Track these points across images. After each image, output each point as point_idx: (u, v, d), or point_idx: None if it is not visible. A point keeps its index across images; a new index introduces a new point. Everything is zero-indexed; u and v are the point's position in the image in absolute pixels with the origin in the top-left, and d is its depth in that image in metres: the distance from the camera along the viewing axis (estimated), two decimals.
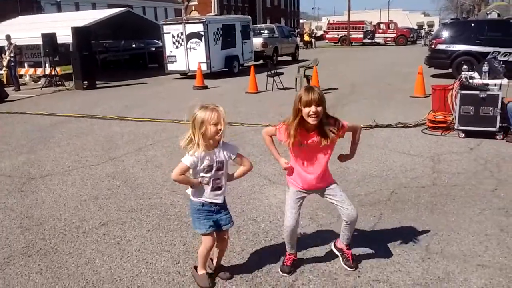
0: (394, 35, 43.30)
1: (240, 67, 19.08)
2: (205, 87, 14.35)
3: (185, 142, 2.90)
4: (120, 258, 3.63)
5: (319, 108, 2.87)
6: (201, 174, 2.96)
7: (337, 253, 3.43)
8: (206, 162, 2.92)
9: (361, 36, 44.91)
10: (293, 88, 12.91)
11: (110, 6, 27.49)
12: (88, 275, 3.38)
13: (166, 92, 13.99)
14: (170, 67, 17.79)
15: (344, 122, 3.09)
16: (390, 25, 44.59)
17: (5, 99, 13.20)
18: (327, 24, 53.55)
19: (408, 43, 43.12)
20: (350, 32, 44.62)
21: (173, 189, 5.11)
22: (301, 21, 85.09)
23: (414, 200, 4.60)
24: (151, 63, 22.69)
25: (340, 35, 46.39)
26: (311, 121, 2.90)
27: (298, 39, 33.60)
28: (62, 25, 16.53)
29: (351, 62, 22.92)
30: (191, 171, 2.96)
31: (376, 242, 3.71)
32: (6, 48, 15.87)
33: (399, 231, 3.90)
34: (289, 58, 24.98)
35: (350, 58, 26.28)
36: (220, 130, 2.82)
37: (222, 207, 3.11)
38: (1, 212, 4.68)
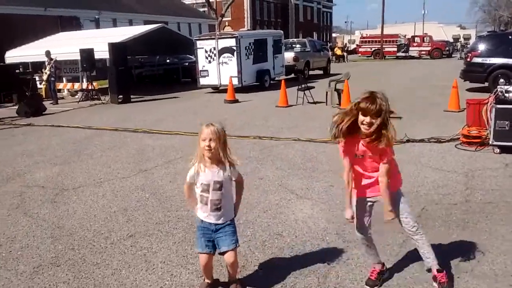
0: (429, 48, 42.54)
1: (271, 81, 19.17)
2: (236, 101, 14.47)
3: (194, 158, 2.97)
4: (145, 269, 3.66)
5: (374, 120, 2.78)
6: (199, 192, 2.96)
7: (435, 284, 3.16)
8: (202, 181, 2.92)
9: (395, 49, 44.38)
10: (324, 102, 12.84)
11: (146, 22, 28.25)
12: (114, 286, 3.43)
13: (197, 106, 14.18)
14: (203, 81, 18.06)
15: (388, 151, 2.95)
16: (425, 38, 43.86)
17: (44, 113, 13.69)
18: (360, 38, 53.23)
19: (443, 56, 42.26)
20: (384, 46, 44.17)
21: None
22: (333, 35, 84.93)
23: (445, 218, 4.46)
24: (184, 77, 23.11)
25: (373, 49, 45.98)
26: (363, 129, 2.84)
27: (330, 53, 33.49)
28: (100, 41, 17.10)
29: (384, 76, 22.63)
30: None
31: (404, 260, 3.61)
32: (46, 63, 16.53)
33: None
34: (321, 72, 24.92)
35: (383, 71, 25.96)
36: (209, 146, 2.82)
37: (223, 226, 3.03)
38: (33, 222, 4.83)
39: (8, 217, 5.03)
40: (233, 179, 2.99)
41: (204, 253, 3.05)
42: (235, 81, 16.51)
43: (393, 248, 3.85)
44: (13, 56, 19.76)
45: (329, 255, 3.77)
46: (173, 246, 4.08)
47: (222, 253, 3.08)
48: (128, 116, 12.46)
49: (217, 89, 18.10)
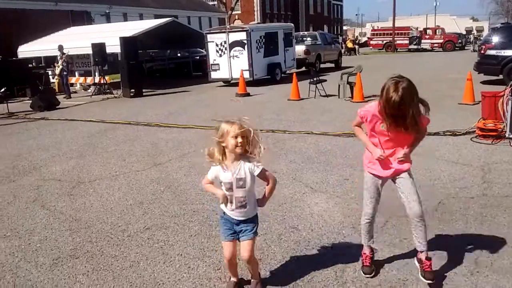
0: (441, 41, 42.09)
1: (283, 75, 19.11)
2: (248, 95, 14.45)
3: (209, 155, 2.89)
4: (163, 262, 3.69)
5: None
6: (224, 191, 2.92)
7: (417, 265, 3.23)
8: (225, 179, 2.88)
9: (407, 42, 43.96)
10: (336, 95, 12.78)
11: (157, 16, 28.28)
12: (132, 278, 3.46)
13: (209, 100, 14.19)
14: (214, 75, 18.06)
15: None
16: (437, 31, 43.39)
17: (57, 107, 13.81)
18: (371, 30, 52.78)
19: (456, 48, 41.80)
20: (395, 38, 43.76)
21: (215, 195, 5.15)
22: (344, 27, 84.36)
23: (462, 211, 4.42)
24: (195, 71, 23.13)
25: (384, 41, 45.59)
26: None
27: (343, 45, 33.26)
28: (111, 35, 17.16)
29: (396, 69, 22.41)
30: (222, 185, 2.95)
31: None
32: (58, 57, 16.65)
33: (447, 243, 3.75)
34: (332, 65, 24.79)
35: (395, 64, 25.74)
36: (240, 143, 2.76)
37: (246, 219, 3.00)
38: (51, 215, 4.89)
39: (26, 210, 5.09)
40: (255, 174, 2.90)
41: (227, 241, 3.03)
42: (246, 75, 16.49)
43: (410, 242, 3.81)
44: (26, 50, 19.94)
45: (346, 248, 3.77)
46: (190, 239, 4.10)
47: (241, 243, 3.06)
48: (140, 110, 12.52)
49: (228, 83, 18.09)
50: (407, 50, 43.62)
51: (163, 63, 24.07)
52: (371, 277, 3.28)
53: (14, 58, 19.69)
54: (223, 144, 2.81)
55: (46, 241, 4.22)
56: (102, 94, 16.53)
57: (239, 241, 3.04)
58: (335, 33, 69.43)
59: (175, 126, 9.76)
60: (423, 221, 3.11)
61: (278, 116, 10.26)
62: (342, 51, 31.63)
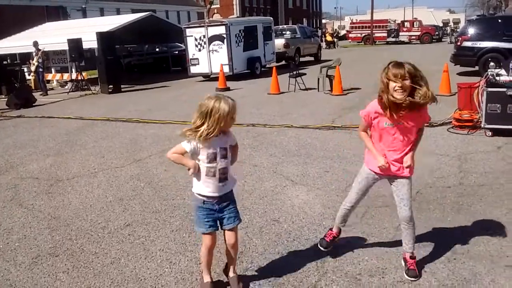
0: (419, 33, 42.62)
1: (262, 69, 19.11)
2: (228, 89, 14.41)
3: (188, 129, 2.79)
4: (144, 258, 3.67)
5: (407, 82, 2.83)
6: (206, 165, 2.84)
7: (402, 264, 3.26)
8: (209, 150, 2.82)
9: (385, 34, 44.42)
10: (316, 89, 12.85)
11: (134, 11, 27.91)
12: (113, 275, 3.44)
13: (188, 95, 14.10)
14: (193, 69, 17.95)
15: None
16: (414, 23, 43.92)
17: (33, 104, 13.55)
18: (350, 24, 53.15)
19: (433, 41, 42.37)
20: (374, 31, 44.15)
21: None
22: (323, 21, 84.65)
23: (439, 200, 4.52)
24: (174, 66, 22.94)
25: (363, 34, 45.97)
26: (397, 95, 2.84)
27: (322, 39, 33.39)
28: (88, 30, 16.90)
29: (375, 61, 22.60)
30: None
31: (400, 243, 3.65)
32: (34, 54, 16.32)
33: (424, 231, 3.83)
34: (312, 58, 24.88)
35: (373, 57, 25.97)
36: (232, 122, 2.82)
37: (227, 203, 2.97)
38: (29, 214, 4.81)
39: (3, 209, 5.01)
40: (233, 144, 2.97)
41: (209, 233, 2.98)
42: (226, 69, 16.44)
43: (389, 231, 3.90)
44: (0, 47, 19.47)
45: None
46: (171, 234, 4.09)
47: (224, 233, 3.03)
48: (119, 106, 12.38)
49: (208, 77, 18.01)
50: (385, 42, 44.08)
51: (142, 58, 23.80)
52: (325, 251, 3.46)
53: None
54: (220, 123, 2.75)
55: (25, 240, 4.16)
56: (80, 90, 16.27)
57: (221, 229, 3.02)
58: (314, 26, 69.58)
59: (155, 122, 9.68)
60: (412, 224, 3.15)
61: (258, 110, 10.27)
62: (322, 44, 31.78)
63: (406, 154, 3.07)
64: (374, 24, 44.32)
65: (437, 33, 44.41)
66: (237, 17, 33.99)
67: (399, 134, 3.02)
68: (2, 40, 19.85)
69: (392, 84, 2.85)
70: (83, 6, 28.38)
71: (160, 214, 4.58)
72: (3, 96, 15.61)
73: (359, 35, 46.61)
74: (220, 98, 2.81)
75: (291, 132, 7.92)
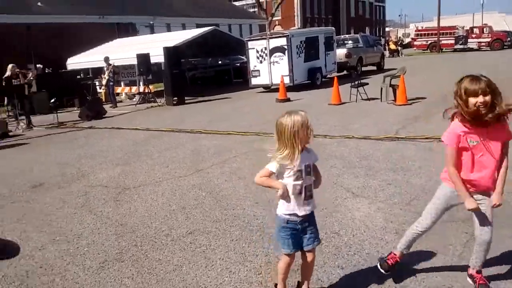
0: (489, 40, 40.47)
1: (323, 79, 19.00)
2: (288, 100, 14.45)
3: (271, 149, 2.82)
4: (205, 266, 3.74)
5: (487, 98, 2.68)
6: (293, 182, 2.83)
7: (470, 281, 3.11)
8: (294, 169, 2.80)
9: (452, 41, 42.57)
10: (378, 99, 12.55)
11: (199, 25, 28.79)
12: (175, 282, 3.53)
13: (249, 106, 14.29)
14: (254, 81, 18.19)
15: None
16: (484, 29, 41.77)
17: (104, 116, 14.32)
18: (415, 31, 51.45)
19: (504, 47, 40.04)
20: (440, 38, 42.50)
21: (256, 201, 5.19)
22: (387, 29, 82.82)
23: None
24: (236, 78, 23.37)
25: (429, 42, 44.36)
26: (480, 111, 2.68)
27: (385, 47, 32.64)
28: (155, 45, 17.66)
29: (443, 69, 21.75)
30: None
31: (467, 260, 3.45)
32: (105, 68, 17.29)
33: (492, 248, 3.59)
34: (375, 67, 24.37)
35: (441, 65, 24.99)
36: (310, 136, 2.77)
37: (309, 223, 2.94)
38: (98, 220, 5.06)
39: (74, 215, 5.30)
40: (316, 161, 2.95)
41: (292, 254, 2.97)
42: (287, 80, 16.49)
43: (456, 248, 3.70)
44: (74, 62, 20.86)
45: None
46: (231, 244, 4.14)
47: (303, 252, 3.01)
48: (183, 118, 12.78)
49: (269, 89, 18.16)
50: (452, 50, 42.24)
51: (205, 71, 24.48)
52: (386, 273, 3.29)
53: (63, 70, 20.63)
54: (298, 138, 2.73)
55: (93, 245, 4.37)
56: (146, 102, 17.00)
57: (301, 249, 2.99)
58: (378, 35, 68.29)
59: (217, 132, 9.88)
60: (488, 246, 2.98)
61: (319, 121, 10.19)
62: (385, 53, 31.06)
63: (493, 172, 2.84)
64: (440, 31, 42.66)
65: (508, 39, 41.93)
66: (299, 28, 34.06)
67: (485, 147, 2.81)
68: (76, 56, 21.22)
69: (472, 101, 2.68)
70: (151, 22, 29.71)
71: (221, 224, 4.65)
72: (76, 108, 16.66)
73: (424, 42, 45.01)
74: (291, 113, 2.78)
75: (352, 143, 7.77)
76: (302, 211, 2.88)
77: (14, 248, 1.17)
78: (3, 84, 13.35)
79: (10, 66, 13.17)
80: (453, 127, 2.84)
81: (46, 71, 20.46)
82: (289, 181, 2.84)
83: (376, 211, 4.67)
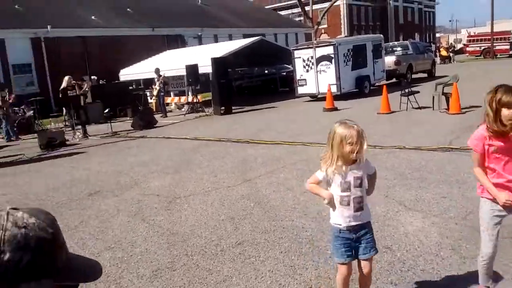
0: None
1: (371, 87, 18.67)
2: (335, 109, 14.30)
3: (323, 157, 2.84)
4: (255, 277, 3.75)
5: None
6: (340, 193, 2.81)
7: None
8: (342, 179, 2.78)
9: (507, 47, 40.73)
10: (430, 107, 12.19)
11: (245, 35, 29.16)
12: None
13: (296, 115, 14.27)
14: (300, 90, 18.16)
15: None
16: None
17: (155, 125, 14.73)
18: (467, 37, 49.74)
19: None
20: (494, 44, 40.77)
21: (304, 212, 5.16)
22: (437, 35, 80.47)
23: None
24: (282, 87, 23.42)
25: (482, 47, 42.66)
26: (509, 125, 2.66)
27: (436, 53, 31.72)
28: (203, 56, 18.03)
29: (497, 77, 20.83)
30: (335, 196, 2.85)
31: None
32: (156, 79, 17.82)
33: None
34: (425, 75, 23.70)
35: (495, 72, 23.94)
36: (355, 150, 2.71)
37: (364, 232, 2.89)
38: (150, 228, 5.20)
39: (128, 223, 5.48)
40: (371, 173, 2.90)
41: (345, 264, 2.94)
42: (334, 89, 16.34)
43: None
44: (126, 74, 21.65)
45: (444, 271, 3.55)
46: (280, 256, 4.13)
47: (359, 262, 2.97)
48: (230, 127, 12.94)
49: (316, 98, 18.06)
50: (508, 56, 40.39)
51: (251, 81, 24.71)
52: None
53: (116, 81, 21.45)
54: (339, 149, 2.73)
55: (146, 253, 4.49)
56: (195, 112, 17.35)
57: (357, 258, 2.95)
58: (428, 41, 66.45)
59: (264, 142, 9.93)
60: None
61: (368, 130, 9.92)
62: (436, 59, 30.16)
63: None
64: (494, 36, 40.93)
65: None
66: (346, 36, 33.72)
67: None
68: (128, 67, 22.02)
69: (504, 112, 2.61)
70: (199, 33, 30.37)
71: (270, 235, 4.65)
72: (128, 118, 17.24)
73: (477, 48, 43.33)
74: (342, 123, 2.77)
75: (403, 154, 7.58)
76: (352, 222, 2.85)
77: (96, 270, 1.17)
78: (60, 96, 14.05)
79: (66, 78, 13.84)
80: (478, 132, 2.85)
81: (100, 82, 21.34)
82: (336, 191, 2.83)
83: (430, 225, 4.52)
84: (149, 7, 30.14)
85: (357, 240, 2.89)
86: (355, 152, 2.72)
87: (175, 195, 6.48)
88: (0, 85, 15.50)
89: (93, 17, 26.00)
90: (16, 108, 16.34)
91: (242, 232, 4.82)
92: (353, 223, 2.85)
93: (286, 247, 4.32)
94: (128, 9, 28.94)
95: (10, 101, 15.48)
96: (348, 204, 2.82)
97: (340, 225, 2.87)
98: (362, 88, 18.11)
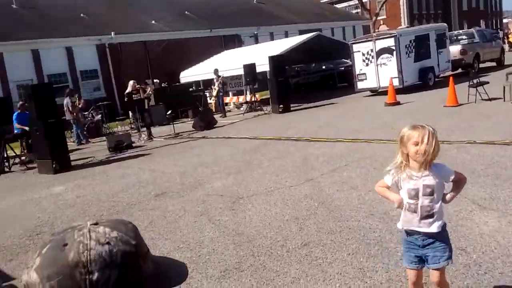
0: None
1: (436, 79, 17.92)
2: (398, 103, 13.85)
3: (394, 161, 2.73)
4: (323, 280, 3.71)
5: None
6: (407, 200, 2.70)
7: None
8: (409, 186, 2.67)
9: None
10: (501, 98, 11.50)
11: (301, 31, 28.97)
12: None
13: (356, 111, 13.98)
14: (360, 85, 17.76)
15: None
16: None
17: (214, 126, 15.00)
18: None
19: None
20: None
21: (371, 212, 5.04)
22: (504, 20, 75.72)
23: None
24: (340, 82, 23.04)
25: None
26: None
27: (504, 41, 29.86)
28: (260, 55, 18.12)
29: None
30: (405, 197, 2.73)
31: None
32: (215, 80, 18.14)
33: None
34: (494, 64, 22.39)
35: None
36: (421, 150, 2.56)
37: (433, 241, 2.72)
38: (216, 229, 5.29)
39: (195, 223, 5.61)
40: (450, 180, 2.71)
41: (411, 269, 2.83)
42: (396, 82, 15.83)
43: None
44: (187, 75, 22.23)
45: None
46: (348, 258, 4.05)
47: (430, 271, 2.82)
48: (289, 125, 12.91)
49: (376, 92, 17.60)
50: None
51: (309, 77, 24.50)
52: None
53: (177, 83, 22.07)
54: (405, 151, 2.64)
55: (213, 254, 4.57)
56: (253, 111, 17.48)
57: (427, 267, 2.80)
58: (494, 27, 62.68)
59: (324, 140, 9.81)
60: None
61: (434, 125, 9.49)
62: (504, 47, 28.37)
63: None
64: None
65: None
66: (407, 27, 32.56)
67: None
68: (188, 69, 22.57)
69: None
70: (255, 32, 30.55)
71: (336, 236, 4.58)
72: (190, 119, 17.68)
73: None
74: (414, 126, 2.64)
75: (474, 149, 7.20)
76: (418, 229, 2.72)
77: (182, 273, 1.18)
78: (126, 100, 14.67)
79: (131, 82, 14.44)
80: None
81: (162, 85, 22.04)
82: (404, 197, 2.72)
83: (507, 225, 4.26)
84: (206, 8, 30.75)
85: (425, 247, 2.73)
86: (422, 154, 2.58)
87: (238, 195, 6.55)
88: (70, 91, 16.39)
89: (153, 22, 26.90)
90: (85, 113, 17.26)
91: (307, 232, 4.78)
92: (419, 230, 2.71)
93: (354, 248, 4.23)
94: (186, 12, 29.67)
95: (80, 106, 16.40)
96: (415, 212, 2.69)
97: (407, 229, 2.77)
98: (426, 80, 17.42)
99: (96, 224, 0.98)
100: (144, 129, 14.38)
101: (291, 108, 16.54)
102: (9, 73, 21.03)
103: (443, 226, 2.75)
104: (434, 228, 2.69)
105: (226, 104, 19.75)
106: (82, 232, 1.01)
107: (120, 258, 0.94)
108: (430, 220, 2.69)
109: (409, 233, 2.78)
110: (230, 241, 4.84)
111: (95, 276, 0.95)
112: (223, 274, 4.08)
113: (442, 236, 2.75)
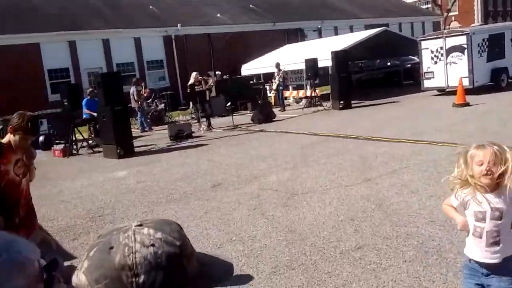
0: None
1: (510, 80, 16.82)
2: (467, 104, 13.14)
3: (453, 178, 2.50)
4: (376, 286, 3.59)
5: None
6: (473, 222, 2.47)
7: None
8: (476, 208, 2.44)
9: None
10: None
11: (367, 26, 28.20)
12: None
13: (421, 111, 13.43)
14: (427, 83, 17.04)
15: None
16: None
17: (273, 119, 14.99)
18: None
19: None
20: None
21: (431, 219, 4.81)
22: None
23: None
24: (406, 80, 22.20)
25: None
26: None
27: None
28: (323, 49, 17.85)
29: None
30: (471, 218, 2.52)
31: None
32: (276, 73, 18.11)
33: None
34: None
35: None
36: (490, 171, 2.31)
37: (499, 273, 2.45)
38: (269, 224, 5.28)
39: (248, 217, 5.63)
40: None
41: None
42: (466, 82, 15.03)
43: None
44: (248, 68, 22.36)
45: None
46: (403, 265, 3.90)
47: None
48: (349, 122, 12.64)
49: (444, 92, 16.81)
50: None
51: (372, 73, 23.84)
52: None
53: (238, 76, 22.27)
54: (470, 173, 2.40)
55: (265, 249, 4.57)
56: (313, 106, 17.28)
57: None
58: None
59: (385, 139, 9.50)
60: None
61: (506, 128, 9.03)
62: None
63: None
64: None
65: None
66: (480, 24, 30.86)
67: None
68: (250, 62, 22.69)
69: None
70: (319, 26, 30.11)
71: (392, 241, 4.42)
72: (249, 112, 17.78)
73: None
74: (480, 145, 2.41)
75: None
76: (482, 258, 2.46)
77: (228, 275, 1.17)
78: (188, 91, 15.00)
79: (194, 74, 14.73)
80: None
81: (224, 77, 22.33)
82: (470, 219, 2.48)
83: None
84: (270, 2, 30.71)
85: (487, 276, 2.48)
86: (487, 175, 2.34)
87: (293, 191, 6.50)
88: (137, 80, 17.01)
89: (218, 15, 27.27)
90: (150, 101, 17.85)
91: (362, 235, 4.65)
92: (482, 260, 2.47)
93: (411, 255, 4.06)
94: (251, 5, 29.80)
95: (145, 95, 16.99)
96: (480, 237, 2.45)
97: (470, 255, 2.54)
98: (498, 81, 16.41)
99: (140, 225, 1.00)
100: (204, 119, 14.65)
101: (352, 105, 16.18)
102: (81, 60, 22.18)
103: (510, 257, 2.47)
104: (497, 259, 2.44)
105: (286, 98, 19.68)
106: (127, 234, 1.02)
107: (165, 260, 0.95)
108: (496, 248, 2.44)
109: (471, 259, 2.53)
110: (282, 238, 4.81)
111: (141, 278, 0.96)
112: (274, 271, 4.06)
113: (508, 268, 2.47)
